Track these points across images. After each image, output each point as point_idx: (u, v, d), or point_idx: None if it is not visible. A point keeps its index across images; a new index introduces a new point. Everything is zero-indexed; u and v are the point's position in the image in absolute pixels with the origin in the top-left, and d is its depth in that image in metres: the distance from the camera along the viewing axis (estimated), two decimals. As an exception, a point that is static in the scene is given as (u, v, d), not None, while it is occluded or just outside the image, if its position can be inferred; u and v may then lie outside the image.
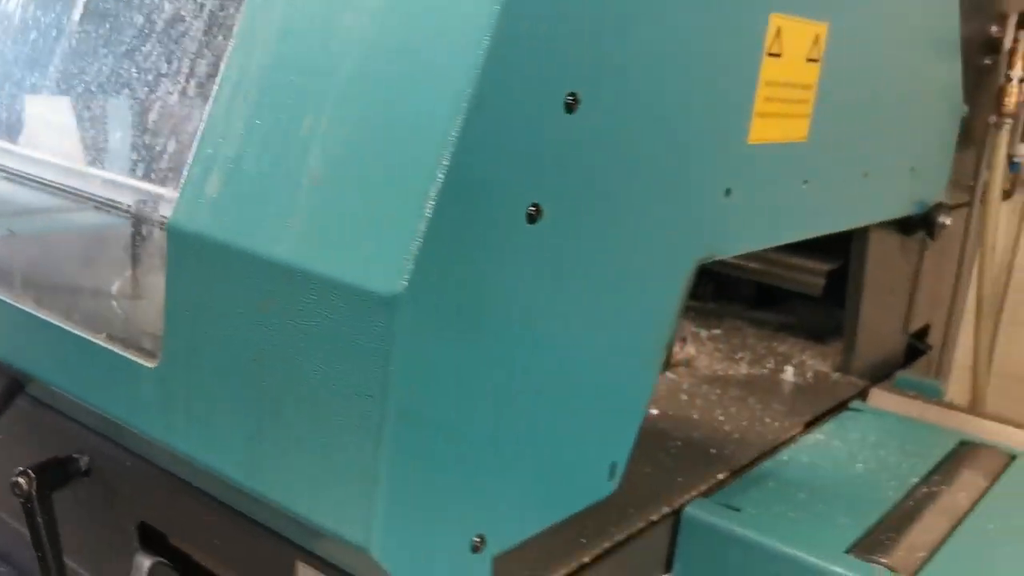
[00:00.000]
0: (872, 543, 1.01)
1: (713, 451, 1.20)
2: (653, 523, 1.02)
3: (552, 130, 0.71)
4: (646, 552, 1.03)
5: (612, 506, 1.01)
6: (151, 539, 1.03)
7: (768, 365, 1.58)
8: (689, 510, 1.05)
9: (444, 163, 0.63)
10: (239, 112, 0.74)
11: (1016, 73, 1.68)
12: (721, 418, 1.32)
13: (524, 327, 0.75)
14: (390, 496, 0.67)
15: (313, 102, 0.70)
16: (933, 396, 1.55)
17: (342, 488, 0.68)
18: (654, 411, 1.31)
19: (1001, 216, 3.11)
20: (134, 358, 0.82)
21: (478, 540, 0.76)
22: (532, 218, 0.72)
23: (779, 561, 0.98)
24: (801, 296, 1.80)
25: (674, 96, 0.85)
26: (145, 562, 1.01)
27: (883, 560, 0.97)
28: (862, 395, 1.54)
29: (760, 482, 1.14)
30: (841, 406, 1.46)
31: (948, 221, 1.59)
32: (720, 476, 1.14)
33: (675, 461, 1.16)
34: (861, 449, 1.27)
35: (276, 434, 0.71)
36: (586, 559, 0.94)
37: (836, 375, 1.58)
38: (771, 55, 0.99)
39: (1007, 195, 2.04)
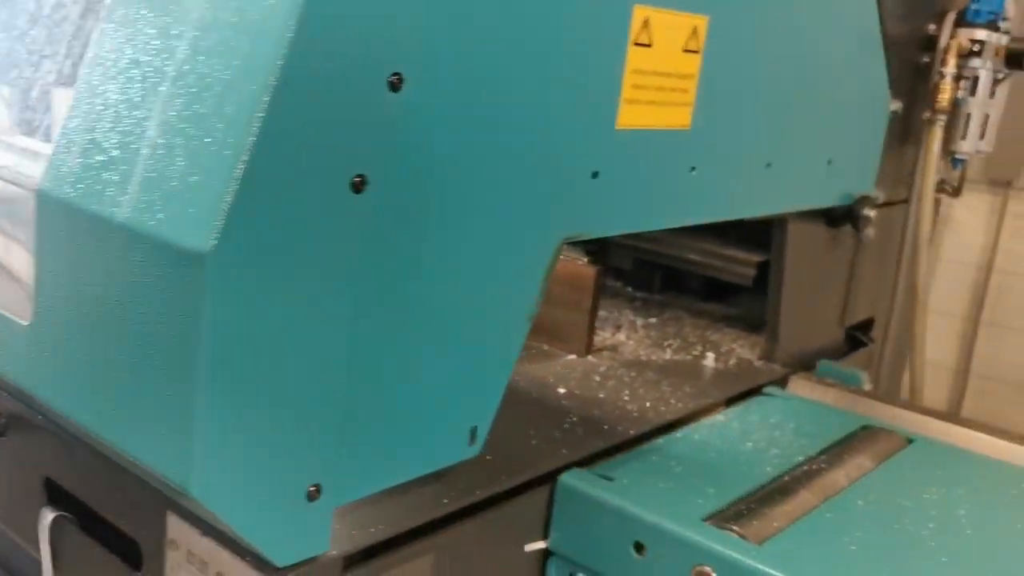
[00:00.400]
0: (733, 513, 1.06)
1: (606, 427, 1.25)
2: (523, 489, 1.07)
3: (375, 107, 0.77)
4: (519, 517, 1.08)
5: (487, 472, 1.07)
6: (57, 494, 1.10)
7: (694, 352, 1.62)
8: (563, 478, 1.10)
9: (253, 133, 0.69)
10: (99, 89, 0.81)
11: (949, 70, 1.71)
12: (627, 398, 1.36)
13: (362, 292, 0.81)
14: (206, 440, 0.72)
15: (154, 79, 0.76)
16: (853, 384, 1.58)
17: (167, 433, 0.74)
18: (561, 390, 1.37)
19: (979, 216, 3.12)
20: (12, 317, 0.88)
21: (313, 489, 0.82)
22: (357, 188, 0.77)
23: (638, 526, 1.03)
24: (749, 289, 1.84)
25: (522, 80, 0.91)
26: (49, 515, 1.08)
27: (735, 528, 1.01)
28: (782, 382, 1.58)
29: (643, 456, 1.19)
30: (756, 391, 1.51)
31: (873, 214, 1.63)
32: (605, 449, 1.19)
33: (566, 435, 1.20)
34: (757, 430, 1.31)
35: (119, 384, 0.78)
36: (445, 518, 0.99)
37: (760, 363, 1.62)
38: (639, 45, 1.04)
39: (956, 192, 2.06)
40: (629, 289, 2.02)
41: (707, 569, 0.98)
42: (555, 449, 1.16)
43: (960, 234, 3.22)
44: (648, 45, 1.05)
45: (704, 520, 1.03)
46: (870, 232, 1.79)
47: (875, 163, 1.67)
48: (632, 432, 1.24)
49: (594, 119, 1.01)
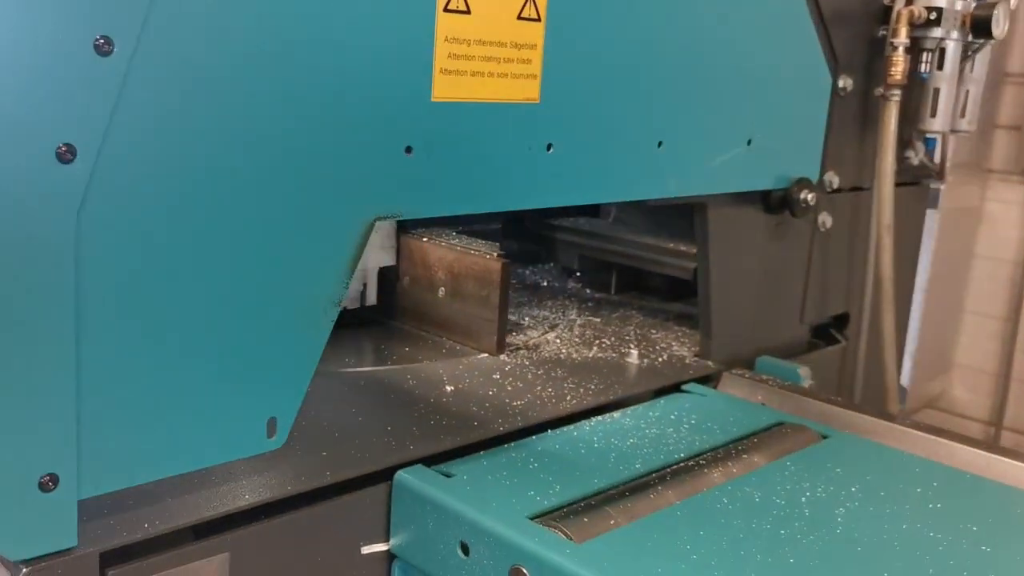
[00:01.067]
0: (567, 511, 0.97)
1: (475, 424, 1.17)
2: (354, 486, 1.01)
3: (83, 72, 0.73)
4: (352, 516, 1.02)
5: (314, 467, 1.01)
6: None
7: (623, 350, 1.53)
8: (399, 475, 1.03)
9: (-87, 98, 0.66)
10: None
11: (900, 41, 1.58)
12: (517, 396, 1.28)
13: (90, 270, 0.77)
14: None
15: None
16: (791, 381, 1.47)
17: None
18: (448, 388, 1.30)
19: (1014, 209, 2.91)
20: None
21: (47, 479, 0.78)
22: (63, 158, 0.73)
23: (463, 525, 0.95)
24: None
25: (291, 44, 0.85)
26: None
27: (561, 526, 0.93)
28: (714, 379, 1.47)
29: (503, 453, 1.11)
30: (674, 388, 1.41)
31: (810, 198, 1.51)
32: (464, 447, 1.11)
33: (426, 432, 1.13)
34: (650, 426, 1.22)
35: None
36: (247, 514, 0.93)
37: (694, 360, 1.52)
38: (451, 11, 0.98)
39: (939, 175, 1.91)
40: (587, 290, 1.94)
41: (522, 569, 0.90)
42: (404, 445, 1.09)
43: (995, 229, 3.02)
44: (465, 12, 0.99)
45: (532, 518, 0.95)
46: (825, 219, 1.68)
47: (817, 144, 1.56)
48: (502, 429, 1.17)
49: (400, 90, 0.96)
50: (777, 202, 1.53)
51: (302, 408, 1.17)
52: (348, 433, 1.12)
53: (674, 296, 1.90)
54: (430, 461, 1.07)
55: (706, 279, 1.49)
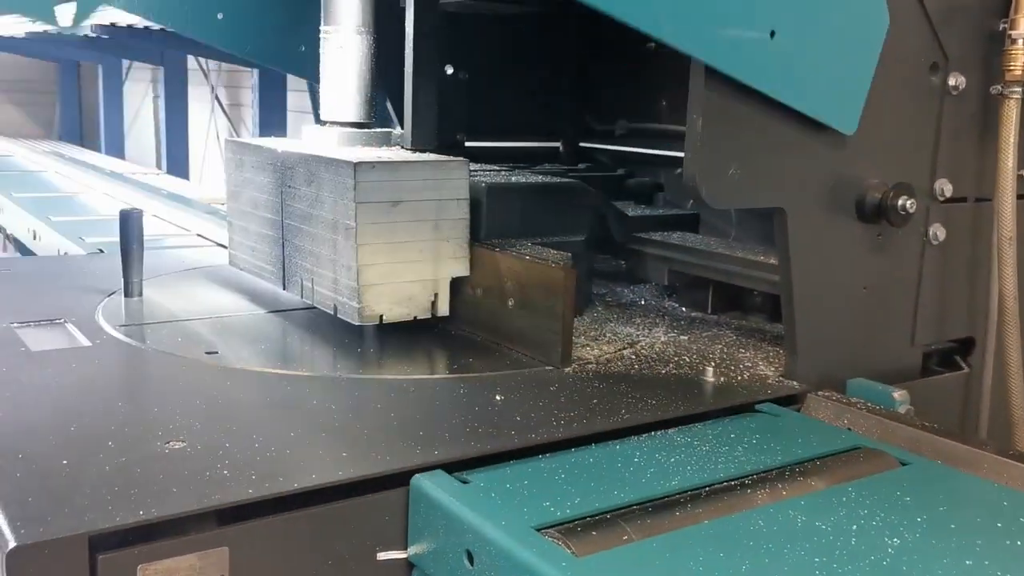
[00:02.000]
0: (580, 525, 0.90)
1: (512, 433, 1.12)
2: (368, 488, 0.98)
3: None
4: (367, 519, 0.99)
5: (328, 466, 0.99)
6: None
7: (700, 368, 1.44)
8: (415, 479, 0.99)
9: None
10: None
11: (1019, 32, 1.42)
12: (568, 409, 1.22)
13: None
14: None
15: None
16: (883, 404, 1.33)
17: None
18: (498, 397, 1.25)
19: None
20: None
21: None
22: None
23: (467, 532, 0.91)
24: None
25: None
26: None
27: (567, 540, 0.86)
28: (797, 400, 1.36)
29: (531, 463, 1.06)
30: (748, 408, 1.30)
31: (910, 205, 1.38)
32: (493, 455, 1.07)
33: (460, 438, 1.09)
34: (703, 444, 1.13)
35: None
36: (249, 508, 0.92)
37: (777, 380, 1.40)
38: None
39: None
40: (683, 309, 1.85)
41: (516, 583, 0.84)
42: (429, 450, 1.05)
43: None
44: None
45: (539, 529, 0.89)
46: (937, 231, 1.53)
47: (859, 99, 1.35)
48: (539, 439, 1.11)
49: None
50: (872, 210, 1.40)
51: (333, 409, 1.17)
52: (376, 436, 1.09)
53: (780, 316, 1.78)
54: (456, 467, 1.03)
55: (788, 292, 1.38)
